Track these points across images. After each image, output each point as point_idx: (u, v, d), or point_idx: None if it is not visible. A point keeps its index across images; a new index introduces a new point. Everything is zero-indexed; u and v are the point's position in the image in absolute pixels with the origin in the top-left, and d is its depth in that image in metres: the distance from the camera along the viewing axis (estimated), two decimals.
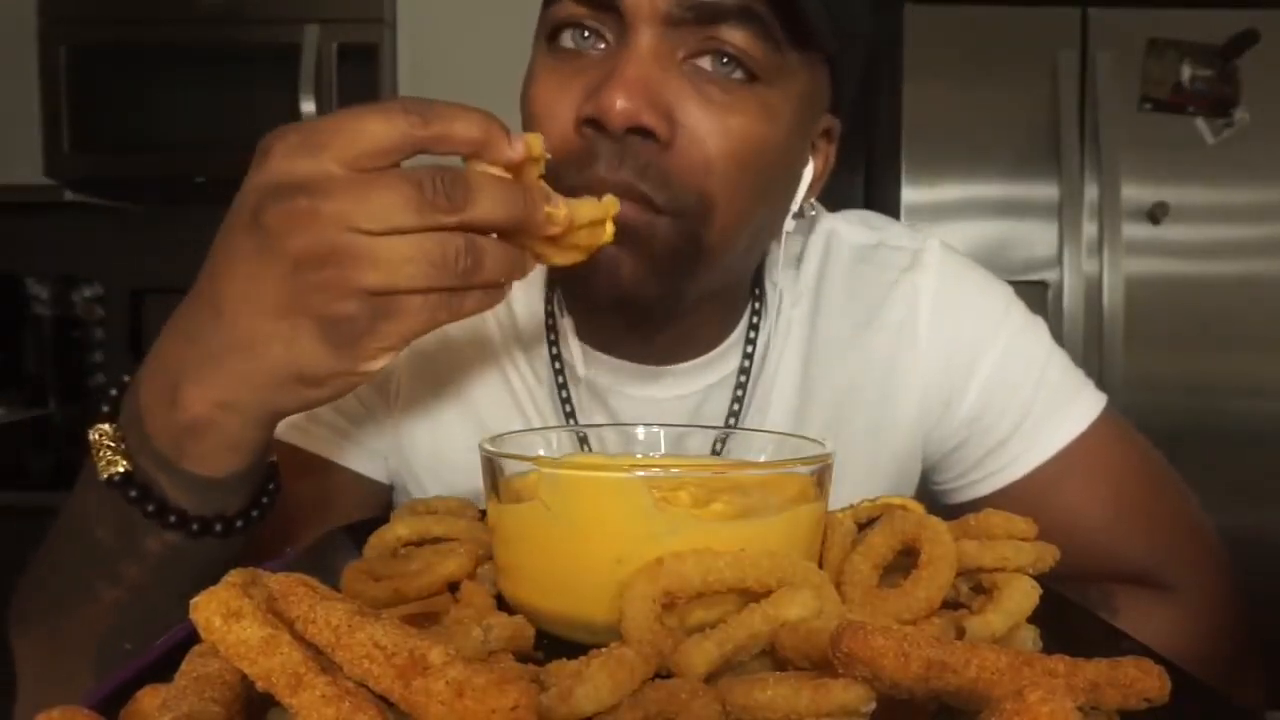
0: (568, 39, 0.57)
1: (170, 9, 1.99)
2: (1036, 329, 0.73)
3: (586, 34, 0.56)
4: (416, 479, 0.71)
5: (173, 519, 0.49)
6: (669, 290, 0.57)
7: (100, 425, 0.49)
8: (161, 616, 0.50)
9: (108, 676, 0.35)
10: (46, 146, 1.99)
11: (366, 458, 0.71)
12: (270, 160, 0.42)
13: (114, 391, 0.51)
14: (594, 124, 0.53)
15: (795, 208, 0.64)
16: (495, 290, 0.45)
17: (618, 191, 0.52)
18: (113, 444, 0.49)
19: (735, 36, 0.54)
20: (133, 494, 0.48)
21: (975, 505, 0.71)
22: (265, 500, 0.53)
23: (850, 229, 0.74)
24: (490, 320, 0.71)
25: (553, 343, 0.69)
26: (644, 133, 0.53)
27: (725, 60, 0.55)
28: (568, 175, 0.53)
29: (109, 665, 0.53)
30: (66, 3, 1.98)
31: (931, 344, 0.70)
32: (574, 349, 0.68)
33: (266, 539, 0.60)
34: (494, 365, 0.70)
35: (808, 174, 0.64)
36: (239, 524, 0.51)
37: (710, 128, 0.54)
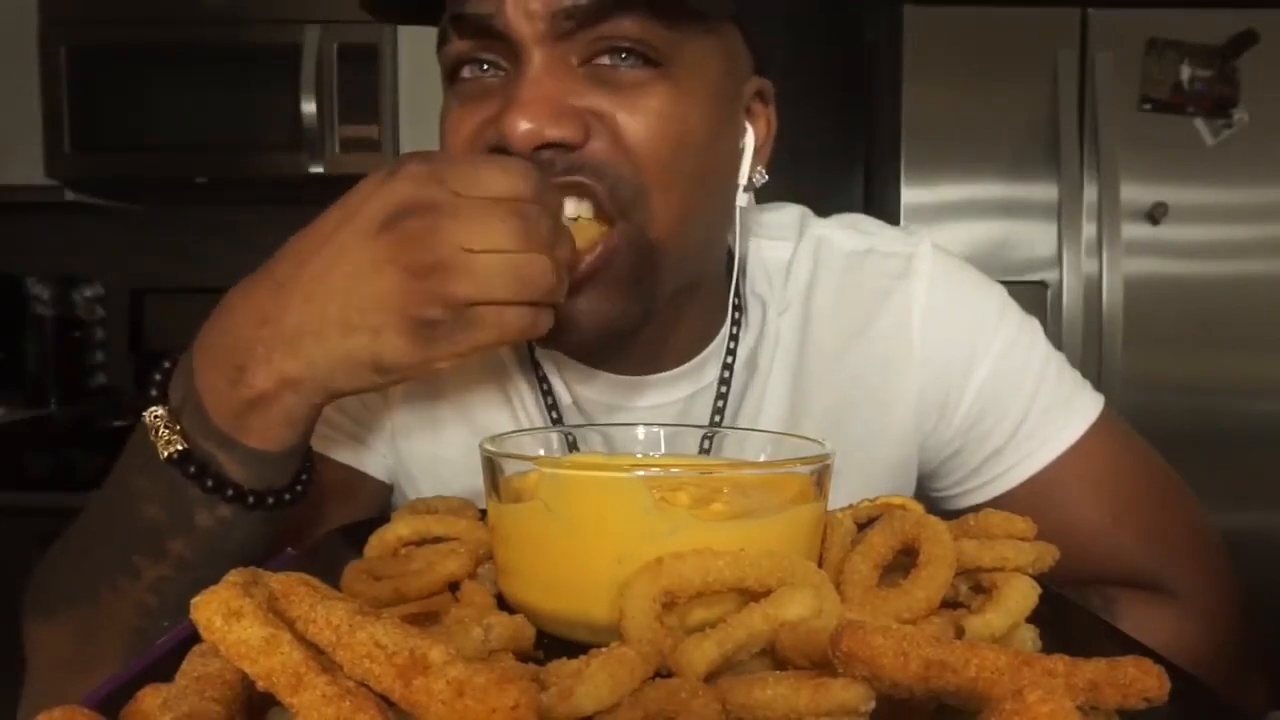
0: (466, 73, 0.57)
1: (171, 9, 1.99)
2: (1032, 332, 0.72)
3: (485, 65, 0.57)
4: (412, 480, 0.71)
5: (230, 493, 0.52)
6: (642, 307, 0.58)
7: (154, 408, 0.53)
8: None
9: (111, 676, 0.35)
10: (47, 147, 1.99)
11: (366, 455, 0.71)
12: (399, 181, 0.48)
13: (158, 376, 0.54)
14: (503, 151, 0.54)
15: (744, 181, 0.63)
16: (548, 317, 0.51)
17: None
18: (168, 425, 0.52)
19: (625, 28, 0.54)
20: (191, 470, 0.52)
21: (974, 511, 0.71)
22: (305, 478, 0.57)
23: (841, 235, 0.73)
24: None
25: (533, 350, 0.69)
26: (554, 146, 0.53)
27: (624, 55, 0.55)
28: None
29: (145, 646, 0.54)
30: (66, 3, 1.99)
31: (925, 351, 0.69)
32: (554, 359, 0.68)
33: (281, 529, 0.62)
34: (488, 369, 0.70)
35: (749, 142, 0.63)
36: (286, 498, 0.55)
37: (624, 116, 0.54)
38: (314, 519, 0.65)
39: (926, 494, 0.75)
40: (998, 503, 0.69)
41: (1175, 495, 0.73)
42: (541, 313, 0.50)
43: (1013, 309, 0.72)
